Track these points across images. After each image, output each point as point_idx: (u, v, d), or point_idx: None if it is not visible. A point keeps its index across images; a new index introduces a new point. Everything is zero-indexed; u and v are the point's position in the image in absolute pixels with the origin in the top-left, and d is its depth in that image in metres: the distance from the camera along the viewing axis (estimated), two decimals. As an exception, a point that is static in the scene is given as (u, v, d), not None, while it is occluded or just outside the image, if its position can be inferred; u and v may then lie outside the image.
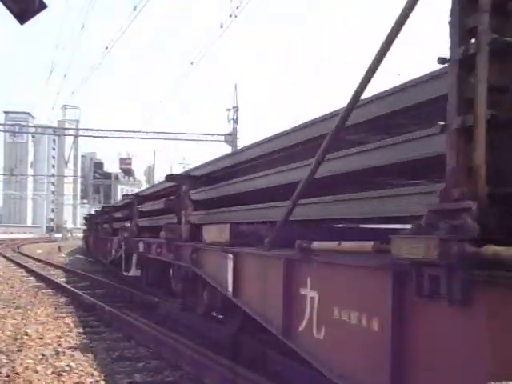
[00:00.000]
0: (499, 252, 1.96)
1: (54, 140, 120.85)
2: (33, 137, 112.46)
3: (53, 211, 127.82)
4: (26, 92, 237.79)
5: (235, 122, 39.72)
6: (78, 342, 7.17)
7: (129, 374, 5.72)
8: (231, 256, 5.04)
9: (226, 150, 36.17)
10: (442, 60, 2.46)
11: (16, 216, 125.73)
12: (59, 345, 6.99)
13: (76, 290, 11.91)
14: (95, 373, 5.70)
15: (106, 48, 29.63)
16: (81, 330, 8.07)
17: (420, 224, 2.43)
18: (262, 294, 4.39)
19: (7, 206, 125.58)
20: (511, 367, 1.93)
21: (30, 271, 17.90)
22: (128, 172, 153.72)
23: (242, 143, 35.61)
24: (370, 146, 3.75)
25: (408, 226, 2.53)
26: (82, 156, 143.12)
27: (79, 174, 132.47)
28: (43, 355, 6.41)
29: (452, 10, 2.42)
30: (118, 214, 15.23)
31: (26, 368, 5.84)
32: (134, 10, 23.04)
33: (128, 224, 12.71)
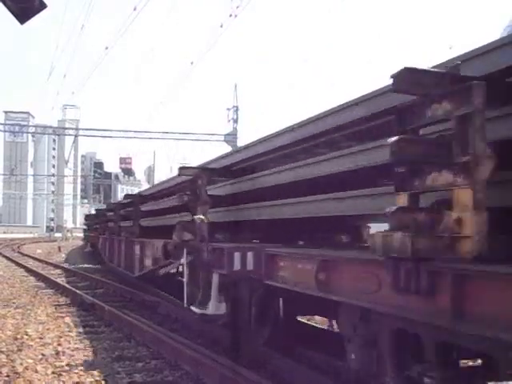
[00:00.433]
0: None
1: (54, 140, 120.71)
2: (33, 136, 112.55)
3: (53, 211, 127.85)
4: (25, 92, 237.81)
5: (235, 121, 39.74)
6: (78, 342, 7.17)
7: (129, 373, 5.72)
8: None
9: (226, 149, 36.15)
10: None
11: (16, 216, 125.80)
12: (59, 344, 6.99)
13: (76, 290, 11.91)
14: (95, 372, 5.70)
15: (106, 48, 29.64)
16: (81, 329, 8.07)
17: None
18: None
19: (7, 206, 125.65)
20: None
21: (30, 271, 17.91)
22: (128, 172, 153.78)
23: (241, 143, 35.63)
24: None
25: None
26: (82, 156, 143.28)
27: (79, 173, 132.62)
28: (43, 355, 6.41)
29: None
30: (160, 206, 10.40)
31: (26, 368, 5.83)
32: (134, 10, 23.07)
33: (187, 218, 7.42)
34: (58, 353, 6.52)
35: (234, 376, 5.04)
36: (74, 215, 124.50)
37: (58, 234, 73.70)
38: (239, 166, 6.51)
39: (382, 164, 3.60)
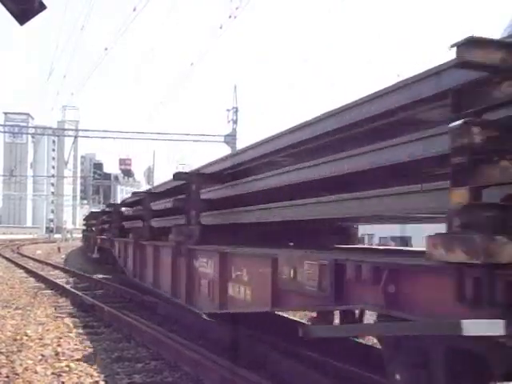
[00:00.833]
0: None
1: (54, 141, 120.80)
2: (32, 138, 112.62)
3: (52, 212, 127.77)
4: (25, 93, 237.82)
5: (235, 122, 39.75)
6: (77, 343, 7.17)
7: (128, 374, 5.71)
8: None
9: (226, 150, 36.17)
10: None
11: (16, 217, 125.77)
12: (59, 345, 6.98)
13: (76, 291, 11.91)
14: (95, 373, 5.70)
15: (106, 48, 29.67)
16: (80, 330, 8.07)
17: None
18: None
19: (7, 207, 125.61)
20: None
21: (30, 272, 17.90)
22: (128, 173, 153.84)
23: (241, 144, 35.63)
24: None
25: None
26: (82, 157, 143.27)
27: (79, 174, 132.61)
28: (43, 356, 6.41)
29: None
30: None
31: (26, 369, 5.83)
32: (134, 10, 23.09)
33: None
34: (57, 353, 6.52)
35: (234, 377, 5.05)
36: (74, 216, 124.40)
37: (57, 235, 73.70)
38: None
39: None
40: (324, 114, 4.29)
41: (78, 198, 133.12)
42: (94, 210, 33.86)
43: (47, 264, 21.61)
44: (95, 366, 5.95)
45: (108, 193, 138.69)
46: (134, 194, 12.97)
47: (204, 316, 7.22)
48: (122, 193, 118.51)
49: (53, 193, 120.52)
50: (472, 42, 2.31)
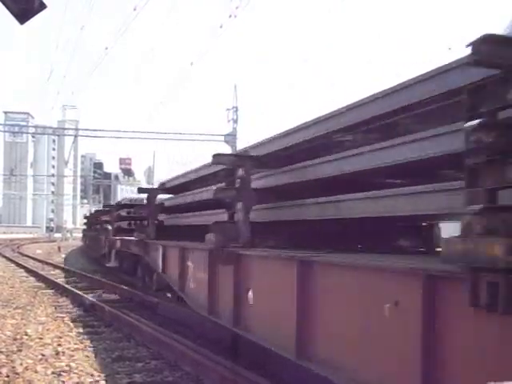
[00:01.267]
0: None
1: (54, 140, 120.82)
2: (33, 137, 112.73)
3: (53, 211, 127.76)
4: (25, 92, 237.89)
5: (235, 122, 39.72)
6: (77, 342, 7.17)
7: (129, 374, 5.72)
8: None
9: (226, 150, 36.19)
10: None
11: (16, 216, 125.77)
12: (59, 345, 6.98)
13: (76, 290, 11.91)
14: (95, 373, 5.70)
15: (106, 48, 29.68)
16: (81, 330, 8.07)
17: None
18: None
19: (7, 206, 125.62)
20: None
21: (30, 271, 17.90)
22: (128, 172, 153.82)
23: (241, 143, 35.64)
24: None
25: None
26: (82, 156, 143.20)
27: (79, 174, 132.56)
28: (43, 355, 6.41)
29: None
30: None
31: (26, 368, 5.83)
32: (134, 10, 23.08)
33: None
34: (57, 353, 6.52)
35: (234, 376, 5.04)
36: (74, 216, 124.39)
37: (57, 235, 73.64)
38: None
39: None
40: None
41: (78, 197, 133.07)
42: (95, 209, 31.54)
43: (47, 263, 21.59)
44: (95, 366, 5.96)
45: (108, 192, 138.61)
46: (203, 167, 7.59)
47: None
48: (122, 192, 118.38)
49: (53, 192, 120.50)
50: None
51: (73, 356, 6.40)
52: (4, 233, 75.98)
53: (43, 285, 14.12)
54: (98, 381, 5.46)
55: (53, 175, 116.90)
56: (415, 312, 2.74)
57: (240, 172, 5.40)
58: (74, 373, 5.70)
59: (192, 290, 6.55)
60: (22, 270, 18.78)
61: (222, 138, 40.03)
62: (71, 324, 8.50)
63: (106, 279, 14.40)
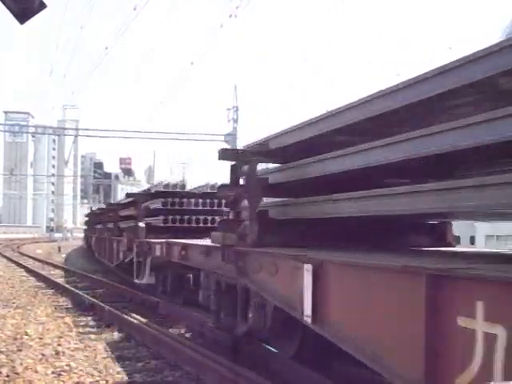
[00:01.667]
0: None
1: (54, 140, 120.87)
2: (33, 137, 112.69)
3: (53, 211, 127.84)
4: (25, 92, 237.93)
5: (235, 121, 39.72)
6: (77, 342, 7.17)
7: (129, 373, 5.71)
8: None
9: (226, 149, 36.08)
10: None
11: (16, 216, 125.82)
12: (59, 345, 6.98)
13: (76, 290, 11.92)
14: (95, 373, 5.70)
15: (106, 48, 29.66)
16: (81, 329, 8.07)
17: None
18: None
19: (7, 206, 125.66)
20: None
21: (30, 271, 17.90)
22: (128, 172, 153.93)
23: (241, 143, 35.62)
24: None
25: None
26: (82, 156, 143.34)
27: (79, 173, 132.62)
28: (43, 355, 6.40)
29: None
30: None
31: (26, 368, 5.83)
32: (134, 10, 23.07)
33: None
34: (57, 353, 6.52)
35: (234, 376, 5.04)
36: (74, 215, 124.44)
37: (57, 234, 73.70)
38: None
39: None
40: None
41: (79, 197, 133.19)
42: (95, 208, 27.12)
43: (48, 263, 21.60)
44: (95, 366, 5.95)
45: (108, 192, 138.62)
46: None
47: None
48: (122, 192, 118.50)
49: (53, 192, 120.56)
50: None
51: (73, 356, 6.40)
52: (4, 233, 76.01)
53: (43, 285, 14.12)
54: (98, 381, 5.45)
55: (53, 175, 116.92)
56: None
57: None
58: (74, 373, 5.69)
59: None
60: (22, 270, 18.79)
61: (222, 137, 40.03)
62: (71, 324, 8.50)
63: (107, 279, 14.41)
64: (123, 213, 14.04)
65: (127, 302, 10.76)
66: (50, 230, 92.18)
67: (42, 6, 4.46)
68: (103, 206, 28.40)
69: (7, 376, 5.52)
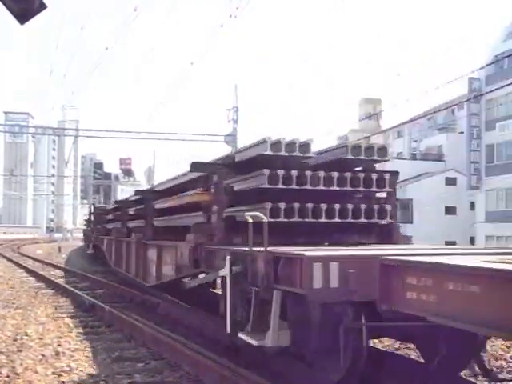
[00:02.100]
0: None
1: (54, 140, 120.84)
2: (33, 137, 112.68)
3: (53, 211, 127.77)
4: (25, 92, 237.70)
5: (235, 122, 39.69)
6: (78, 343, 7.16)
7: (129, 374, 5.71)
8: None
9: (226, 150, 36.16)
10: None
11: (16, 216, 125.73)
12: (59, 345, 6.98)
13: (76, 291, 11.91)
14: (95, 373, 5.70)
15: (106, 48, 29.68)
16: (81, 330, 8.07)
17: None
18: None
19: (7, 207, 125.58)
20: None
21: (30, 271, 17.90)
22: (128, 172, 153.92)
23: (241, 143, 35.61)
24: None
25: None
26: (82, 156, 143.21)
27: (79, 174, 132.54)
28: (43, 355, 6.40)
29: None
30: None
31: (26, 368, 5.83)
32: (135, 10, 23.04)
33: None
34: (58, 353, 6.52)
35: (234, 376, 5.04)
36: (74, 216, 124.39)
37: (58, 235, 73.67)
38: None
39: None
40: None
41: (79, 197, 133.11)
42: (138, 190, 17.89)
43: (48, 264, 21.60)
44: (96, 366, 5.95)
45: (108, 192, 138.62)
46: None
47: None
48: (122, 192, 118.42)
49: (53, 192, 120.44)
50: None
51: (73, 356, 6.40)
52: (4, 233, 76.02)
53: (43, 285, 14.12)
54: (98, 381, 5.45)
55: (53, 175, 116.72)
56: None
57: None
58: (74, 373, 5.69)
59: None
60: (22, 271, 18.79)
61: (222, 138, 40.00)
62: (71, 324, 8.49)
63: (107, 279, 14.40)
64: (169, 203, 8.49)
65: (127, 303, 10.76)
66: (50, 230, 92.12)
67: (43, 7, 4.45)
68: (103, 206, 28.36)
69: (7, 376, 5.53)
